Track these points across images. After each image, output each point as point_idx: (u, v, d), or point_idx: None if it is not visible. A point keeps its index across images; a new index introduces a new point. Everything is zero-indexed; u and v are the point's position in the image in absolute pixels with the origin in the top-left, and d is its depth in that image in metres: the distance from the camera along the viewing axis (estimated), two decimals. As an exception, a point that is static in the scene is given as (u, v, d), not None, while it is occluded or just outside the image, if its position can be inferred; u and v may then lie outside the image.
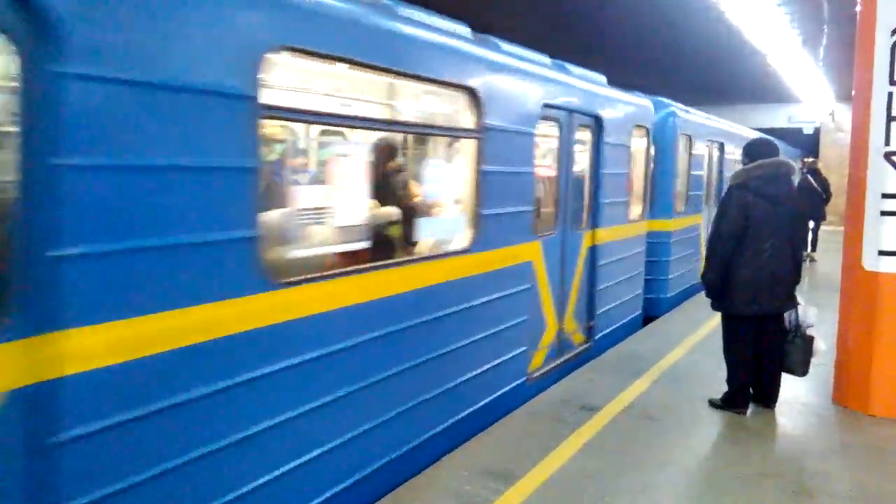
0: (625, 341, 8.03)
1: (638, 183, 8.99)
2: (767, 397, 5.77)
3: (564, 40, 14.80)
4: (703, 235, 11.13)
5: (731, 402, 5.72)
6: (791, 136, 26.00)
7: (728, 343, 5.71)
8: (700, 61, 17.96)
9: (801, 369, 5.64)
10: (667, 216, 9.86)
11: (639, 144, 8.85)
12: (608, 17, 13.60)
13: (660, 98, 9.96)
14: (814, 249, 15.57)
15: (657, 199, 9.65)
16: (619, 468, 4.68)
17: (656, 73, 19.18)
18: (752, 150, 5.67)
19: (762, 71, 18.92)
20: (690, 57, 17.37)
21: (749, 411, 5.74)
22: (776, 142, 6.21)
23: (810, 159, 18.33)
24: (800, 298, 5.71)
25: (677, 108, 10.09)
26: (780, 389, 5.82)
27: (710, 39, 15.03)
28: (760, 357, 5.65)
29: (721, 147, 12.55)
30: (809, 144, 26.76)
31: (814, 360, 5.68)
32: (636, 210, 8.77)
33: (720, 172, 12.57)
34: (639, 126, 8.51)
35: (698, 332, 8.48)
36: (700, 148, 11.11)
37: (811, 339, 5.61)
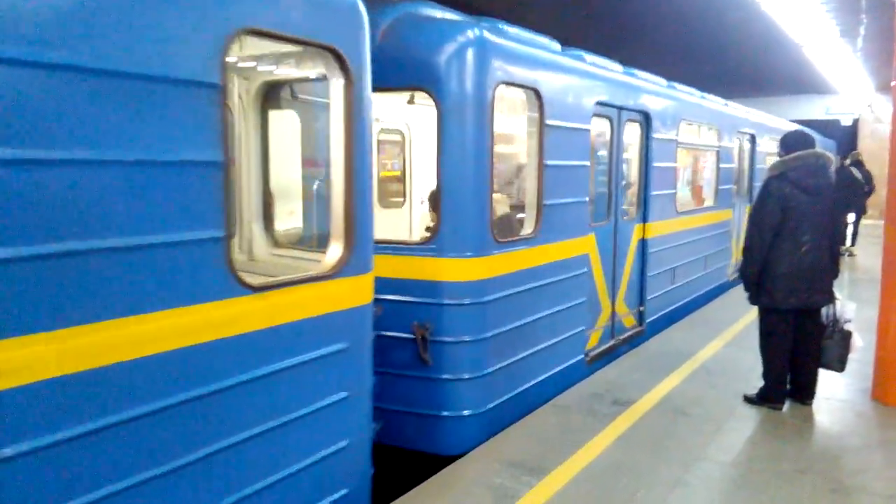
0: (660, 334, 8.09)
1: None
2: (804, 393, 5.69)
3: (593, 30, 14.75)
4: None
5: (766, 398, 5.67)
6: (827, 127, 25.56)
7: (765, 337, 5.64)
8: (734, 52, 17.87)
9: (839, 365, 5.57)
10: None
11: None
12: (639, 8, 13.55)
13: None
14: (853, 243, 15.36)
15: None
16: (651, 463, 4.65)
17: (689, 64, 19.00)
18: (789, 142, 5.60)
19: (798, 62, 18.75)
20: (724, 48, 17.26)
21: (785, 407, 5.68)
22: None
23: (854, 151, 18.00)
24: (838, 293, 5.63)
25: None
26: (818, 385, 5.74)
27: (745, 30, 14.94)
28: (797, 352, 5.59)
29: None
30: (847, 136, 26.29)
31: (851, 356, 5.60)
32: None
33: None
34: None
35: (736, 326, 8.42)
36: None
37: (849, 334, 5.52)
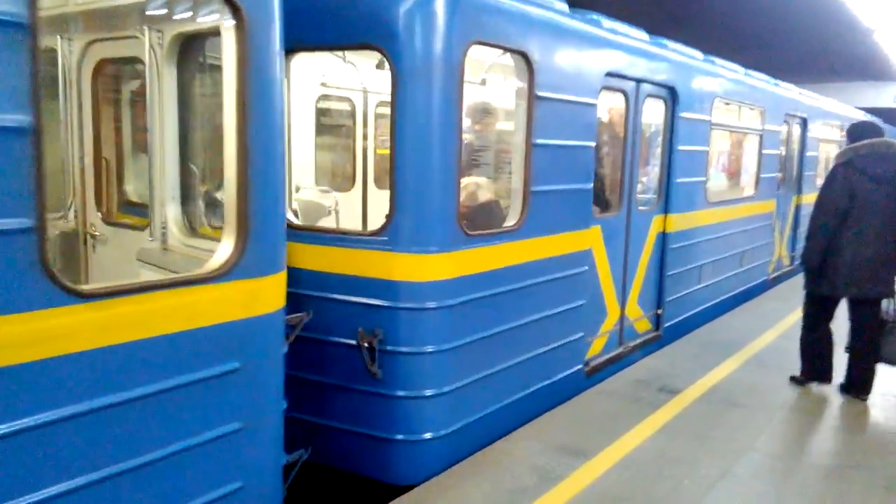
0: (712, 323, 7.77)
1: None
2: (860, 388, 5.62)
3: (656, 13, 13.81)
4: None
5: (814, 375, 5.80)
6: (894, 116, 23.86)
7: (812, 319, 5.69)
8: (803, 38, 16.90)
9: None
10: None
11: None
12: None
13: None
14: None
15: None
16: (698, 453, 4.56)
17: (754, 49, 17.79)
18: (856, 131, 5.59)
19: (868, 48, 17.65)
20: (791, 33, 16.25)
21: (840, 401, 5.60)
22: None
23: None
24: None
25: None
26: (875, 381, 5.62)
27: (814, 15, 13.95)
28: (855, 345, 5.58)
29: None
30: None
31: None
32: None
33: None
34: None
35: (791, 317, 8.03)
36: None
37: None
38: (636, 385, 5.71)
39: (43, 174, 2.23)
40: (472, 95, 4.93)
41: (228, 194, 2.89)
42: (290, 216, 4.42)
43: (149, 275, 3.62)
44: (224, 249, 2.88)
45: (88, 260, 4.51)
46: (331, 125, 7.49)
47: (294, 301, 4.28)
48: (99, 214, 4.41)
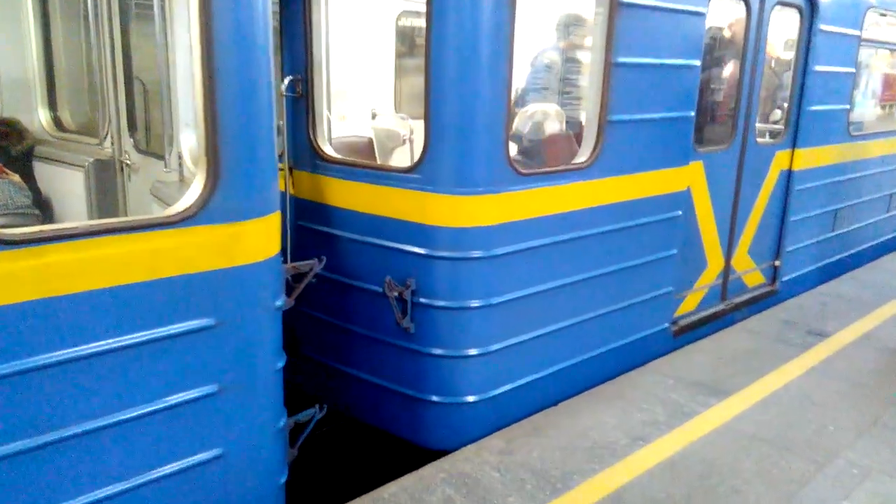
0: (869, 267, 7.16)
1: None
2: None
3: None
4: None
5: None
6: None
7: None
8: None
9: None
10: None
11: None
12: None
13: None
14: None
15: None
16: (846, 399, 4.34)
17: None
18: None
19: None
20: None
21: None
22: None
23: None
24: None
25: None
26: None
27: None
28: None
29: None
30: None
31: None
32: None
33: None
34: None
35: None
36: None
37: None
38: (783, 325, 5.45)
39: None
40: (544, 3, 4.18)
41: (197, 118, 2.44)
42: (328, 149, 3.97)
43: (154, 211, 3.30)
44: (192, 190, 2.45)
45: (126, 191, 4.30)
46: (413, 45, 6.88)
47: (326, 242, 3.90)
48: (131, 141, 4.15)
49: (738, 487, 3.42)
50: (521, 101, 4.72)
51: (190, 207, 2.42)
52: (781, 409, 4.15)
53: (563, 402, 4.13)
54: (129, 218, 2.36)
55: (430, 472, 3.46)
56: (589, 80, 4.00)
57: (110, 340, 2.31)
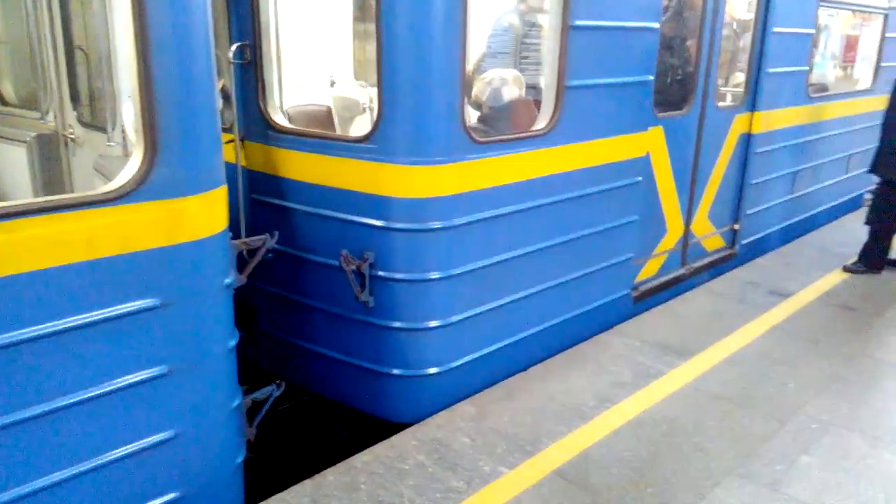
0: (829, 227, 7.29)
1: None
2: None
3: None
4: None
5: (874, 264, 5.90)
6: None
7: (886, 209, 5.73)
8: None
9: None
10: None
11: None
12: None
13: None
14: None
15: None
16: (806, 356, 4.45)
17: None
18: None
19: None
20: None
21: None
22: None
23: None
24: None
25: None
26: None
27: None
28: None
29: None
30: None
31: None
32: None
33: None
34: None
35: None
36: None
37: None
38: (745, 286, 5.55)
39: None
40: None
41: (133, 94, 2.32)
42: (280, 119, 3.85)
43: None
44: (131, 165, 2.34)
45: (71, 166, 4.14)
46: (371, 8, 6.70)
47: (281, 215, 3.81)
48: (74, 114, 3.98)
49: (702, 445, 3.48)
50: (482, 66, 4.63)
51: (128, 183, 2.31)
52: (744, 368, 4.24)
53: (534, 367, 4.17)
54: (64, 196, 2.23)
55: (402, 440, 3.47)
56: (547, 45, 3.92)
57: (48, 324, 2.22)
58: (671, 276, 5.39)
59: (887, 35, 7.57)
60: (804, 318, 5.01)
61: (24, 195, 3.96)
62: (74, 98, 4.00)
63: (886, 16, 7.50)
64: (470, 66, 4.49)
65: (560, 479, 3.18)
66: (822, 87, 7.21)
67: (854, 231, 6.67)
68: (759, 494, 3.11)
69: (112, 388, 2.41)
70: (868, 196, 6.01)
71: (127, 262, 2.35)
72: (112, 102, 3.34)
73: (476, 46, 4.63)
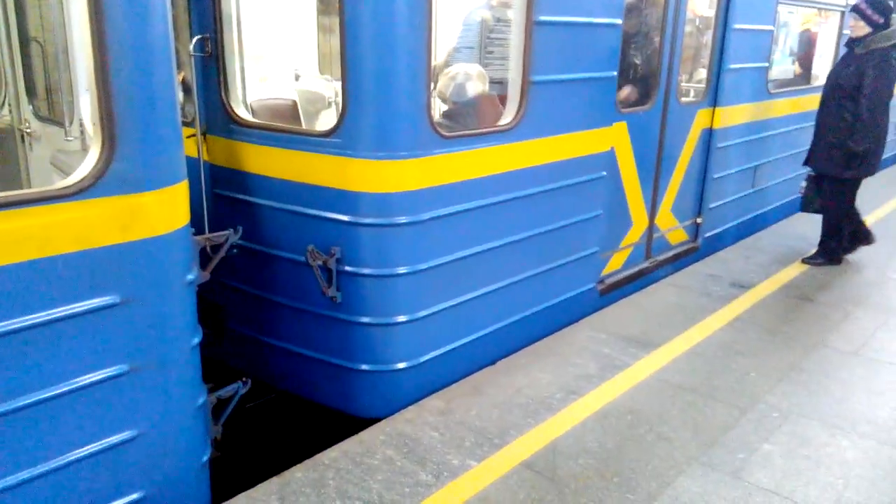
0: (788, 221, 7.41)
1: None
2: (868, 237, 6.13)
3: None
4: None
5: (833, 257, 6.04)
6: None
7: (847, 206, 5.90)
8: None
9: None
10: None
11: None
12: None
13: None
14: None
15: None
16: (767, 346, 4.54)
17: None
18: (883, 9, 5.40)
19: None
20: None
21: None
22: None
23: None
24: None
25: None
26: None
27: None
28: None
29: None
30: None
31: None
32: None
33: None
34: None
35: (877, 213, 7.73)
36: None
37: None
38: (708, 279, 5.66)
39: None
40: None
41: (90, 86, 2.27)
42: (243, 112, 3.80)
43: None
44: (88, 160, 2.29)
45: (28, 162, 4.04)
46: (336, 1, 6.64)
47: (246, 211, 3.76)
48: (30, 108, 3.89)
49: (666, 434, 3.53)
50: (453, 60, 4.62)
51: (85, 178, 2.26)
52: (706, 359, 4.32)
53: (502, 361, 4.20)
54: (18, 192, 2.17)
55: (370, 436, 3.46)
56: (512, 40, 3.93)
57: (2, 324, 2.16)
58: (636, 269, 5.47)
59: (844, 32, 7.76)
60: (764, 309, 5.11)
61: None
62: (30, 92, 3.91)
63: (843, 13, 7.69)
64: (440, 61, 4.50)
65: (527, 470, 3.21)
66: (782, 83, 7.35)
67: (813, 223, 6.80)
68: (722, 482, 3.18)
69: (71, 387, 2.36)
70: (803, 184, 6.13)
71: (85, 258, 2.30)
72: (69, 96, 3.27)
73: (447, 41, 4.63)
